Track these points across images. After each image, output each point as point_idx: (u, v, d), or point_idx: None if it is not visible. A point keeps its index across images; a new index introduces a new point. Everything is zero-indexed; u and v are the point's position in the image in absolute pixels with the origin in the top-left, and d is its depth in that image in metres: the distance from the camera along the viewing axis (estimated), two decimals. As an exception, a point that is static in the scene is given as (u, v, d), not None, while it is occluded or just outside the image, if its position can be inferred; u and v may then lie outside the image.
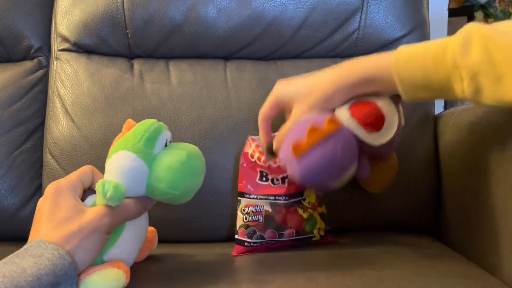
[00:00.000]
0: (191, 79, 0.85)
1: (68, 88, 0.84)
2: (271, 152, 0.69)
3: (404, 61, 0.56)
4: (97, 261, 0.54)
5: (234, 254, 0.70)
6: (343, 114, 0.62)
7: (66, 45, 0.88)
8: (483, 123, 0.68)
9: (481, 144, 0.67)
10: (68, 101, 0.83)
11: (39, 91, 0.88)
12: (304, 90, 0.65)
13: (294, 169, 0.62)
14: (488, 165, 0.64)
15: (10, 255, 0.48)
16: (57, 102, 0.84)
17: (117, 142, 0.58)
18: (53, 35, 0.89)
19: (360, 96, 0.63)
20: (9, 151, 0.84)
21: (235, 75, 0.86)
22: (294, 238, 0.70)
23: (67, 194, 0.53)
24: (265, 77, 0.86)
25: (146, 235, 0.62)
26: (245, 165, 0.73)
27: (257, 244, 0.69)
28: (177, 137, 0.79)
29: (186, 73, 0.86)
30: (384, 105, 0.61)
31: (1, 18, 0.88)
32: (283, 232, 0.70)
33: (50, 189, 0.54)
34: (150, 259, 0.68)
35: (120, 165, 0.55)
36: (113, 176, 0.55)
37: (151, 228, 0.68)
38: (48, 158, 0.82)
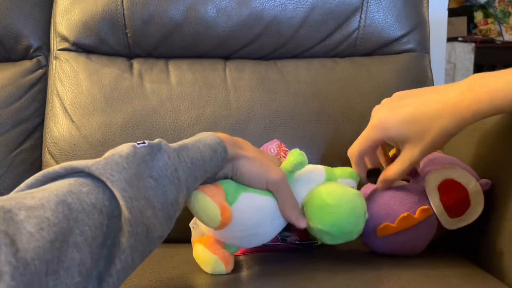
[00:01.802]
0: (191, 78, 0.85)
1: (67, 88, 0.84)
2: (372, 181, 0.66)
3: None
4: (234, 193, 0.57)
5: (235, 254, 0.69)
6: (433, 199, 0.61)
7: (65, 45, 0.88)
8: (482, 122, 0.68)
9: (481, 144, 0.67)
10: (67, 101, 0.83)
11: (38, 90, 0.88)
12: (418, 128, 0.55)
13: (371, 241, 0.64)
14: (489, 165, 0.64)
15: (193, 138, 0.54)
16: (56, 101, 0.84)
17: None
18: (52, 34, 0.89)
19: (451, 171, 0.61)
20: (8, 151, 0.83)
21: (234, 75, 0.86)
22: (296, 242, 0.70)
23: None
24: (265, 77, 0.86)
25: (264, 241, 0.62)
26: None
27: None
28: (176, 137, 0.79)
29: (186, 72, 0.86)
30: (474, 194, 0.61)
31: (0, 17, 0.88)
32: (286, 238, 0.69)
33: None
34: (149, 258, 0.67)
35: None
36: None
37: None
38: (47, 158, 0.82)
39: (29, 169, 0.84)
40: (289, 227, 0.70)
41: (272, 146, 0.76)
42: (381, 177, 0.63)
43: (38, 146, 0.85)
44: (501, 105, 0.49)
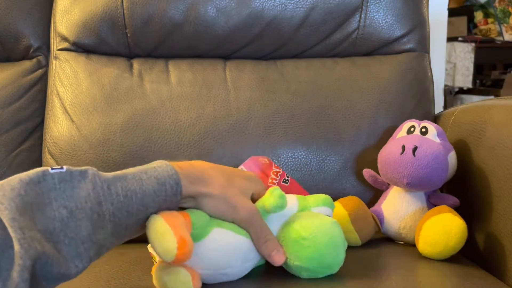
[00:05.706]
0: (191, 78, 0.85)
1: (67, 88, 0.84)
2: None
3: None
4: (204, 228, 0.52)
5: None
6: None
7: (65, 45, 0.88)
8: (482, 122, 0.68)
9: (481, 143, 0.67)
10: (67, 101, 0.83)
11: (38, 90, 0.88)
12: None
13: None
14: (488, 164, 0.64)
15: (140, 168, 0.49)
16: (56, 101, 0.84)
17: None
18: (52, 34, 0.89)
19: None
20: (8, 151, 0.83)
21: (234, 75, 0.86)
22: None
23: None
24: (265, 77, 0.86)
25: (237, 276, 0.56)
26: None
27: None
28: (176, 137, 0.79)
29: (186, 72, 0.86)
30: None
31: (0, 17, 0.88)
32: None
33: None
34: (149, 259, 0.67)
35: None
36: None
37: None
38: (47, 158, 0.82)
39: (29, 169, 0.83)
40: None
41: (258, 164, 0.73)
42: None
43: (38, 146, 0.85)
44: None
